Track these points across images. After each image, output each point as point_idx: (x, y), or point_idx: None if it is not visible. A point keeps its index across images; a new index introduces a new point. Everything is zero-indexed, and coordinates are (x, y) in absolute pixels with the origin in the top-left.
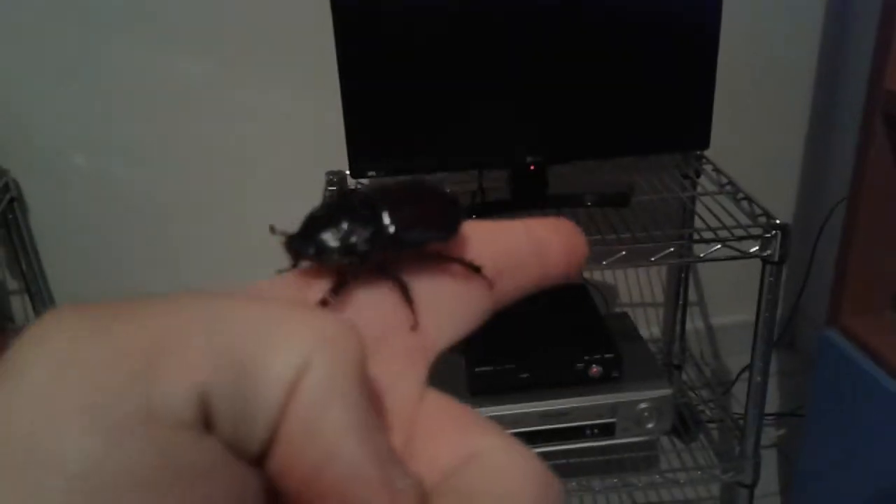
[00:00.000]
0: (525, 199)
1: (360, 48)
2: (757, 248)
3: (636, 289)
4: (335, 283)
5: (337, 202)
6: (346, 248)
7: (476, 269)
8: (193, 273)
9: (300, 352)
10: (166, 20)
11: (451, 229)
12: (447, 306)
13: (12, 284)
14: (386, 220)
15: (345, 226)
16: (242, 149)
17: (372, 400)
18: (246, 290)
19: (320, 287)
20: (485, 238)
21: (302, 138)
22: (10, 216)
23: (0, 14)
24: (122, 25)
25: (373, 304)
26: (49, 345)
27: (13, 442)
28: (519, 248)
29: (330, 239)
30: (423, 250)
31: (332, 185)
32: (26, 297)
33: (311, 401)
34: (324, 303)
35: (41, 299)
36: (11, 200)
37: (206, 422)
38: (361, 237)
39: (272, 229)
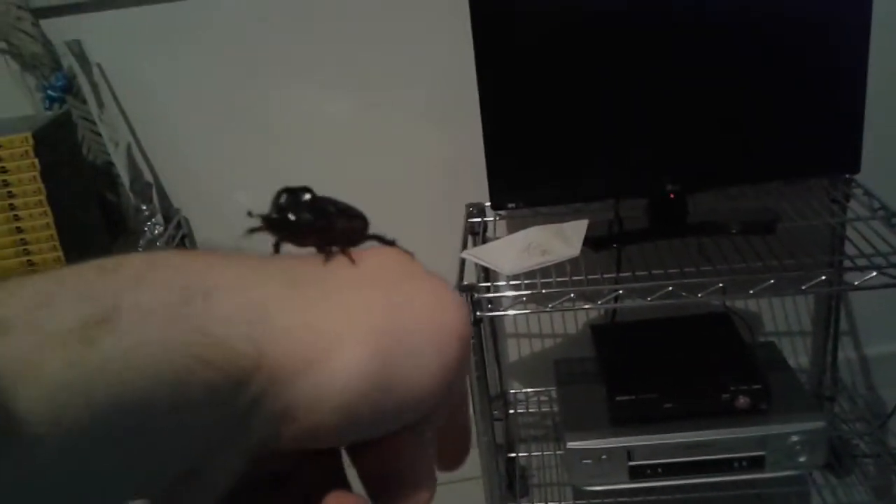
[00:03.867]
0: (664, 229)
1: (500, 80)
2: None
3: (782, 317)
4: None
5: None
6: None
7: (390, 242)
8: None
9: None
10: (316, 65)
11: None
12: None
13: None
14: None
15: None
16: (386, 182)
17: None
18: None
19: None
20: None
21: (441, 171)
22: None
23: (167, 61)
24: (278, 70)
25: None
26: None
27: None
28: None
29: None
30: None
31: (472, 217)
32: None
33: None
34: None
35: None
36: (183, 237)
37: None
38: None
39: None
